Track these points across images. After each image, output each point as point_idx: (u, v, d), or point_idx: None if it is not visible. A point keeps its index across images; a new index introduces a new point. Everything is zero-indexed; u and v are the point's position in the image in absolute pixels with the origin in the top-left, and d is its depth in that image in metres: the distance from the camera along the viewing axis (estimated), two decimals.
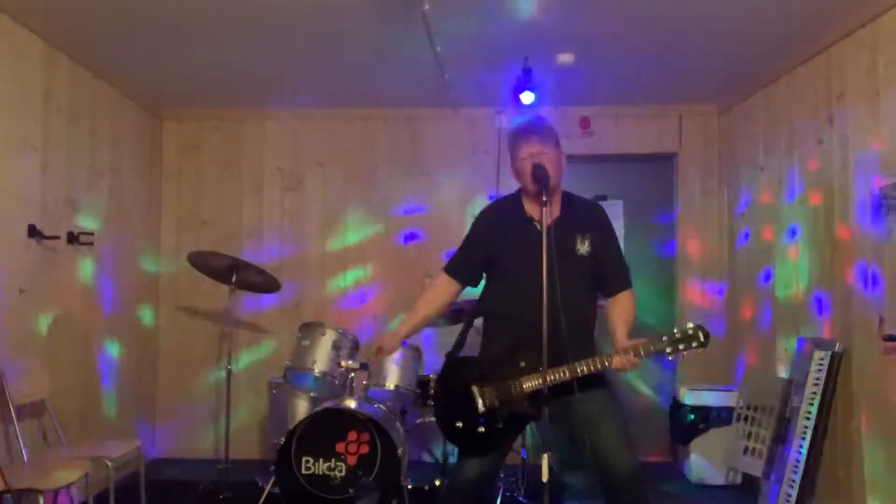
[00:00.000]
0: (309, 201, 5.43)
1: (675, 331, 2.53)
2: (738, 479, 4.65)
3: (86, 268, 4.31)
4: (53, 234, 3.89)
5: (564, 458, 4.18)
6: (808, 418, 3.72)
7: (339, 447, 3.69)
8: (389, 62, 4.34)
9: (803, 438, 3.72)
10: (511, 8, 3.53)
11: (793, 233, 4.24)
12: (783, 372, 4.23)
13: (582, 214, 2.78)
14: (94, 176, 4.44)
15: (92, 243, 4.29)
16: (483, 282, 2.91)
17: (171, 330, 5.39)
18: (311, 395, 4.35)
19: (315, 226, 5.41)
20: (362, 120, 5.40)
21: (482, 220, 2.89)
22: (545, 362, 2.38)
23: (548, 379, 2.43)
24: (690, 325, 2.53)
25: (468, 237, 2.90)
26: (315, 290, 5.37)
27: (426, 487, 4.14)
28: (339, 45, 4.04)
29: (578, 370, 2.51)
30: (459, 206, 5.33)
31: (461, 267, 2.89)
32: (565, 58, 4.23)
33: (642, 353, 2.52)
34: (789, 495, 3.72)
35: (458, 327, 2.98)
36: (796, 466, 3.72)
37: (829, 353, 3.67)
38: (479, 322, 2.92)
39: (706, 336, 2.51)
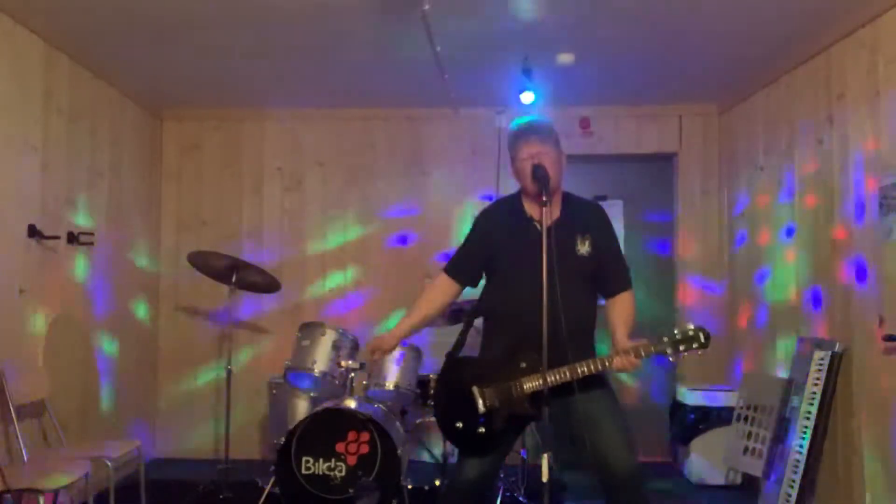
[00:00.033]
0: (309, 201, 5.43)
1: (675, 332, 2.53)
2: (738, 479, 4.65)
3: (86, 268, 4.31)
4: (53, 234, 3.89)
5: (564, 458, 4.18)
6: (808, 418, 3.72)
7: (339, 447, 3.69)
8: (389, 62, 4.34)
9: (803, 438, 3.72)
10: (511, 8, 3.53)
11: (792, 233, 4.24)
12: (783, 372, 4.23)
13: (582, 215, 2.78)
14: (94, 176, 4.44)
15: (92, 243, 4.29)
16: (483, 282, 2.91)
17: (171, 330, 5.39)
18: (311, 395, 4.35)
19: (315, 226, 5.42)
20: (362, 120, 5.40)
21: (482, 220, 2.89)
22: (545, 363, 2.37)
23: (548, 380, 2.43)
24: (691, 326, 2.53)
25: (468, 237, 2.90)
26: (315, 290, 5.37)
27: (426, 487, 4.14)
28: (339, 45, 4.04)
29: (579, 371, 2.51)
30: (458, 206, 5.33)
31: (461, 267, 2.88)
32: (565, 58, 4.22)
33: (643, 354, 2.52)
34: (789, 495, 3.72)
35: (458, 327, 2.97)
36: (796, 466, 3.72)
37: (829, 353, 3.67)
38: (479, 322, 2.92)
39: (707, 337, 2.51)
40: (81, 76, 4.28)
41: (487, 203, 3.15)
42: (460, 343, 2.88)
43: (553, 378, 2.49)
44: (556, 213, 2.71)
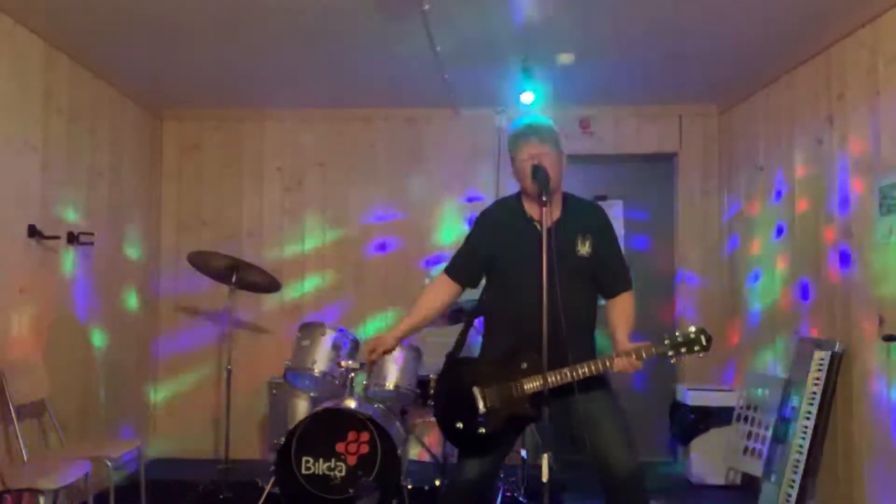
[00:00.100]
0: (309, 201, 5.43)
1: (676, 334, 2.53)
2: (738, 479, 4.65)
3: (85, 268, 4.31)
4: (53, 234, 3.89)
5: (564, 458, 4.18)
6: (808, 418, 3.72)
7: (339, 447, 3.69)
8: (389, 62, 4.34)
9: (803, 438, 3.72)
10: (511, 8, 3.53)
11: (792, 232, 4.24)
12: (783, 372, 4.23)
13: (582, 215, 2.78)
14: (94, 176, 4.44)
15: (92, 243, 4.28)
16: (483, 282, 2.91)
17: (171, 330, 5.39)
18: (311, 395, 4.35)
19: (315, 226, 5.42)
20: (362, 120, 5.40)
21: (482, 220, 2.89)
22: (545, 363, 2.37)
23: (549, 380, 2.43)
24: (692, 328, 2.53)
25: (468, 238, 2.90)
26: (315, 289, 5.38)
27: (426, 487, 4.14)
28: (339, 45, 4.04)
29: (580, 371, 2.51)
30: (457, 206, 5.33)
31: (461, 268, 2.88)
32: (565, 58, 4.22)
33: (644, 355, 2.52)
34: (789, 495, 3.72)
35: (458, 327, 2.97)
36: (796, 466, 3.72)
37: (829, 353, 3.67)
38: (479, 322, 2.92)
39: (708, 340, 2.51)
40: (81, 76, 4.28)
41: (483, 203, 3.15)
42: (460, 343, 2.88)
43: (553, 378, 2.48)
44: (557, 213, 2.71)
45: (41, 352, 3.83)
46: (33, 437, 3.71)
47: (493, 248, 2.78)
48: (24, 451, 3.44)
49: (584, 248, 2.71)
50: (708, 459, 4.70)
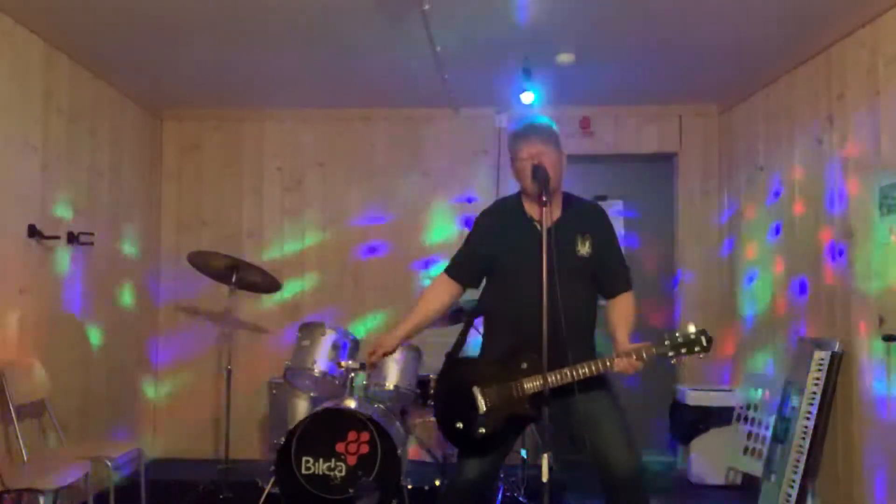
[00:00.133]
0: (309, 201, 5.43)
1: (677, 334, 2.53)
2: (738, 479, 4.65)
3: (85, 268, 4.31)
4: (53, 234, 3.89)
5: (564, 458, 4.18)
6: (808, 418, 3.72)
7: (339, 447, 3.69)
8: (389, 62, 4.33)
9: (803, 438, 3.72)
10: (511, 8, 3.53)
11: (792, 231, 4.24)
12: (783, 372, 4.23)
13: (582, 215, 2.78)
14: (94, 176, 4.44)
15: (92, 243, 4.28)
16: (484, 282, 2.91)
17: (170, 330, 5.39)
18: (311, 395, 4.35)
19: (315, 226, 5.42)
20: (362, 120, 5.40)
21: (483, 220, 2.88)
22: (545, 363, 2.37)
23: (549, 380, 2.43)
24: (693, 329, 2.53)
25: (468, 238, 2.90)
26: (315, 289, 5.37)
27: (426, 487, 4.14)
28: (339, 44, 4.04)
29: (580, 372, 2.51)
30: (456, 205, 5.33)
31: (461, 268, 2.88)
32: (565, 58, 4.22)
33: (645, 356, 2.52)
34: (789, 495, 3.72)
35: (458, 327, 2.97)
36: (796, 466, 3.72)
37: (829, 353, 3.67)
38: (479, 322, 2.92)
39: (709, 341, 2.51)
40: (81, 76, 4.28)
41: (482, 203, 3.15)
42: (460, 343, 2.88)
43: (554, 379, 2.48)
44: (557, 213, 2.71)
45: (41, 352, 3.83)
46: (33, 437, 3.71)
47: (494, 248, 2.77)
48: (23, 451, 3.44)
49: (585, 248, 2.71)
50: (708, 459, 4.70)
